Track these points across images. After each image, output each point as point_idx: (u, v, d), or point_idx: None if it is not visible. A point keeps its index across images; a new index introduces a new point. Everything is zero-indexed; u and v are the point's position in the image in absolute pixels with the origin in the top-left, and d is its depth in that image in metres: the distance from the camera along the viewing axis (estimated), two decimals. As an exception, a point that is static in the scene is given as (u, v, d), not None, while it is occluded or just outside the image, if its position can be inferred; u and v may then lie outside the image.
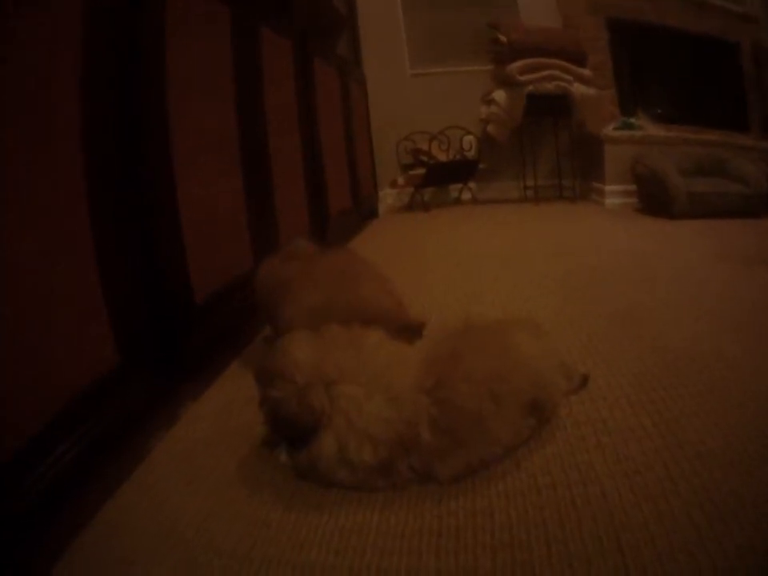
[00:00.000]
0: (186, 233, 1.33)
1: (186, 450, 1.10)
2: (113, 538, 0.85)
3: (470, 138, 4.63)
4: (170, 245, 1.28)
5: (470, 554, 0.75)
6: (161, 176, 1.26)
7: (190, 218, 1.35)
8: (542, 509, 0.84)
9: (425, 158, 4.49)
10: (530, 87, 4.28)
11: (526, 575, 0.70)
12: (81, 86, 0.98)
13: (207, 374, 1.43)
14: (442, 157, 4.51)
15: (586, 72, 4.44)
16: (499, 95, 4.37)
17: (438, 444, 0.88)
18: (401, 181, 4.59)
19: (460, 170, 4.57)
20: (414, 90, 4.79)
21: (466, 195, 4.77)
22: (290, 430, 0.92)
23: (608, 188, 4.13)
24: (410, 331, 1.32)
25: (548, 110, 4.34)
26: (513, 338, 1.04)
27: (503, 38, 4.37)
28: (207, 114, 1.53)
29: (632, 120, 4.23)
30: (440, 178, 4.52)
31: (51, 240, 0.90)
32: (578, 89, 4.31)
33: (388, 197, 4.76)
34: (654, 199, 3.60)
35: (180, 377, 1.29)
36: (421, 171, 4.43)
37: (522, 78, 4.27)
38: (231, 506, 0.91)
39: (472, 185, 4.74)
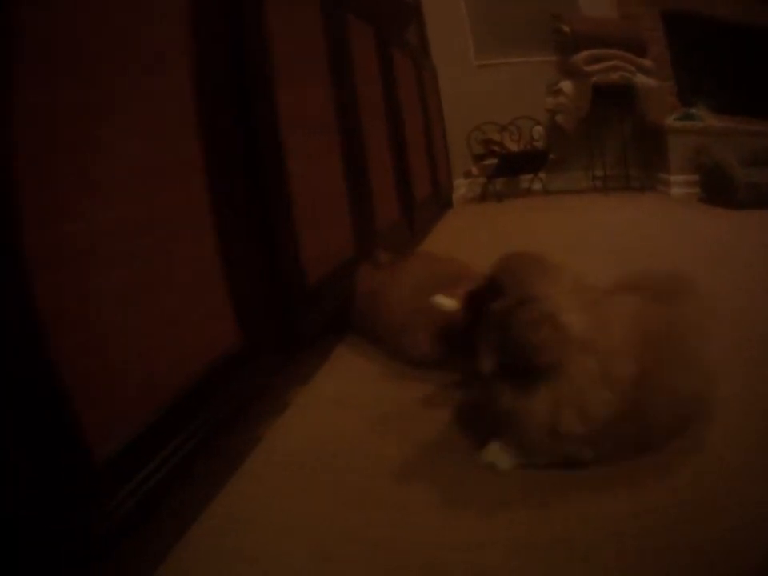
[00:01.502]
0: (298, 216, 1.36)
1: (302, 438, 1.11)
2: (227, 533, 0.84)
3: (539, 128, 4.68)
4: (284, 228, 1.30)
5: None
6: (273, 159, 1.28)
7: (300, 202, 1.38)
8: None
9: (496, 149, 4.52)
10: (595, 78, 4.31)
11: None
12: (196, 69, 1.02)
13: (314, 359, 1.49)
14: (513, 147, 4.56)
15: (648, 62, 4.47)
16: (566, 85, 4.43)
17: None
18: (475, 170, 4.63)
19: (531, 160, 4.58)
20: (480, 80, 4.83)
21: (536, 185, 4.76)
22: (525, 357, 0.81)
23: (673, 178, 4.13)
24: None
25: (613, 101, 4.37)
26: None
27: (566, 29, 4.45)
28: (308, 96, 1.56)
29: (693, 111, 4.21)
30: (511, 168, 4.52)
31: (179, 228, 0.94)
32: (640, 79, 4.34)
33: (461, 187, 4.81)
34: (717, 189, 3.61)
35: (291, 358, 1.33)
36: (493, 161, 4.46)
37: (588, 69, 4.31)
38: (360, 492, 0.91)
39: (542, 175, 4.73)
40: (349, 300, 1.61)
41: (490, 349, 0.84)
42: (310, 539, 0.80)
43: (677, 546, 0.69)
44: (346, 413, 1.20)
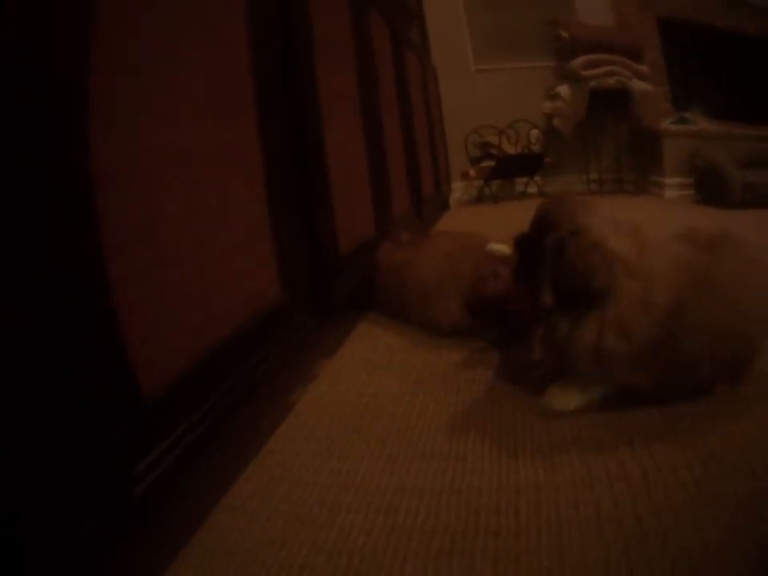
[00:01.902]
0: (334, 189, 1.44)
1: (338, 403, 1.13)
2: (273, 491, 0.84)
3: (536, 132, 4.73)
4: (323, 197, 1.38)
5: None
6: (315, 134, 1.36)
7: (335, 178, 1.46)
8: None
9: (494, 151, 4.57)
10: (593, 82, 4.38)
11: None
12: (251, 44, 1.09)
13: (338, 332, 1.51)
14: (511, 150, 4.61)
15: (644, 68, 4.56)
16: (564, 90, 4.48)
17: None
18: (472, 172, 4.67)
19: (527, 163, 4.63)
20: (478, 85, 4.91)
21: (532, 188, 4.79)
22: (580, 285, 0.86)
23: (668, 181, 4.16)
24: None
25: (609, 105, 4.44)
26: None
27: (564, 34, 4.53)
28: (339, 77, 1.66)
29: (687, 115, 4.26)
30: (508, 170, 4.59)
31: (235, 166, 1.00)
32: (636, 84, 4.42)
33: (457, 189, 4.88)
34: (712, 190, 3.67)
35: (323, 323, 1.35)
36: (490, 164, 4.52)
37: (585, 73, 4.38)
38: (412, 447, 0.92)
39: (538, 178, 4.76)
40: (370, 278, 1.66)
41: (548, 284, 0.89)
42: (366, 492, 0.81)
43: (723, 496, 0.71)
44: (380, 378, 1.22)
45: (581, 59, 4.38)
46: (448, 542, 0.67)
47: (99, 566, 0.57)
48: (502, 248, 1.08)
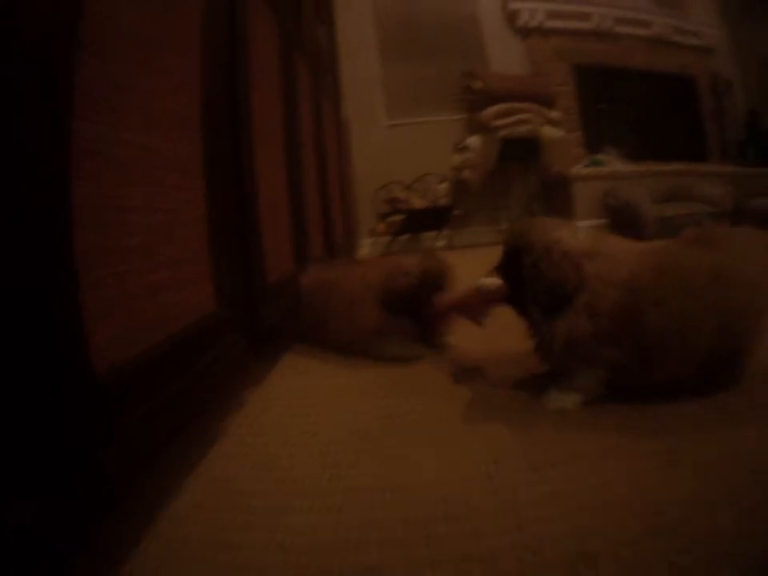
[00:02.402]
0: (262, 224, 1.52)
1: (268, 424, 1.11)
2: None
3: (444, 185, 4.79)
4: (254, 227, 1.46)
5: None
6: (248, 170, 1.45)
7: (263, 211, 1.54)
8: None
9: (402, 206, 4.59)
10: (504, 132, 4.49)
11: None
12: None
13: (262, 364, 1.52)
14: (419, 204, 4.63)
15: (555, 114, 4.70)
16: (474, 141, 4.57)
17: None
18: (380, 228, 4.64)
19: (436, 217, 4.66)
20: (390, 140, 4.97)
21: (441, 242, 4.79)
22: (557, 291, 1.00)
23: (579, 224, 4.23)
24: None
25: (520, 154, 4.54)
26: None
27: (478, 85, 4.62)
28: (269, 131, 1.73)
29: (599, 157, 4.43)
30: (417, 224, 4.59)
31: (186, 212, 1.07)
32: (547, 131, 4.55)
33: (365, 246, 4.81)
34: (626, 227, 3.82)
35: (256, 342, 1.41)
36: (398, 218, 4.53)
37: (496, 123, 4.49)
38: (353, 453, 0.93)
39: (446, 231, 4.79)
40: (293, 312, 1.70)
41: (531, 299, 1.04)
42: (312, 496, 0.80)
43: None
44: (311, 399, 1.22)
45: (492, 109, 4.49)
46: (400, 531, 0.67)
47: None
48: (492, 281, 1.14)
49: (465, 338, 1.48)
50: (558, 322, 0.99)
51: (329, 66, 3.69)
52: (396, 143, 4.93)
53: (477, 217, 4.95)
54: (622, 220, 3.89)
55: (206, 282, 1.14)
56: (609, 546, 0.58)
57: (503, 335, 1.31)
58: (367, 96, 4.94)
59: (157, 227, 0.92)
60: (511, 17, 5.22)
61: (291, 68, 2.07)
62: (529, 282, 1.03)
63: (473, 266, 1.38)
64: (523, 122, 4.50)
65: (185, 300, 1.01)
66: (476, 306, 1.29)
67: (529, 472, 0.76)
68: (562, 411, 1.01)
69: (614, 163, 4.42)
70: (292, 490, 0.81)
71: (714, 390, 0.98)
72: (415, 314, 1.46)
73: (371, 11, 5.06)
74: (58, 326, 0.63)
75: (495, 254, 1.13)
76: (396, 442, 0.94)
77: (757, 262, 0.98)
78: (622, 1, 5.61)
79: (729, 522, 0.59)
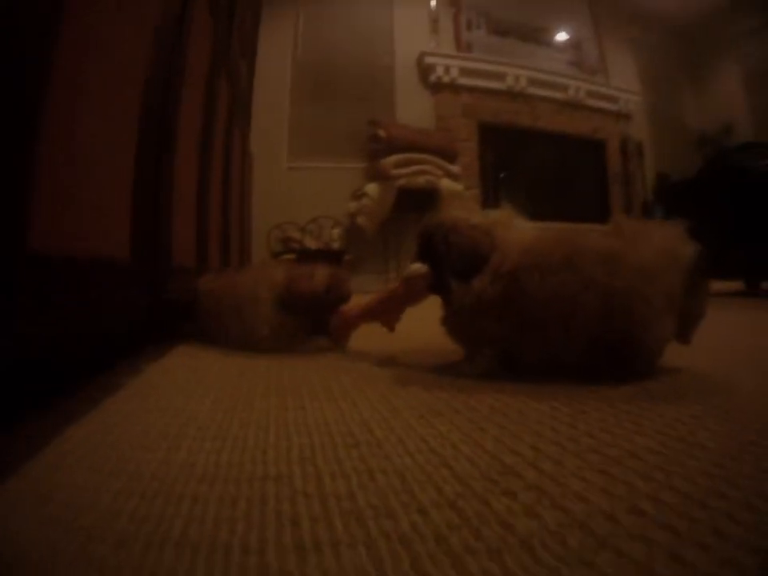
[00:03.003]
0: (174, 211, 1.64)
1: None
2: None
3: (337, 230, 4.87)
4: (166, 211, 1.58)
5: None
6: (169, 173, 1.60)
7: (176, 199, 1.67)
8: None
9: (295, 246, 4.63)
10: (402, 181, 4.60)
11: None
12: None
13: (149, 356, 1.44)
14: (312, 245, 4.67)
15: (456, 168, 4.86)
16: (371, 188, 4.66)
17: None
18: (273, 265, 4.64)
19: (327, 259, 4.60)
20: (288, 181, 5.05)
21: (329, 285, 4.80)
22: (470, 255, 1.07)
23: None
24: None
25: (416, 204, 4.54)
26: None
27: (383, 134, 4.72)
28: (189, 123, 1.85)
29: (494, 213, 4.56)
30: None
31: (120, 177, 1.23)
32: (445, 184, 4.68)
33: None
34: None
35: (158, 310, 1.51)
36: (291, 257, 4.51)
37: (395, 172, 4.59)
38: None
39: (336, 274, 4.79)
40: (191, 308, 1.71)
41: (449, 270, 1.10)
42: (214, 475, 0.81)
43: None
44: (198, 385, 1.10)
45: (392, 158, 4.59)
46: (300, 452, 0.68)
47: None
48: (418, 266, 1.24)
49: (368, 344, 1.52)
50: (473, 283, 1.04)
51: (244, 100, 3.76)
52: (294, 185, 5.02)
53: (367, 264, 5.04)
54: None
55: (125, 230, 1.23)
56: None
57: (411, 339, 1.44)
58: (273, 135, 5.03)
59: (100, 173, 1.07)
60: (426, 71, 5.43)
61: (215, 83, 2.18)
62: (444, 255, 1.09)
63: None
64: (422, 173, 4.63)
65: (106, 233, 1.11)
66: (389, 309, 1.42)
67: (419, 418, 0.80)
68: (459, 379, 1.07)
69: (505, 218, 4.57)
70: (186, 423, 0.81)
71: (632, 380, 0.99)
72: (318, 320, 1.50)
73: (290, 51, 5.22)
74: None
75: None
76: (296, 398, 0.96)
77: (655, 251, 0.99)
78: (542, 63, 5.95)
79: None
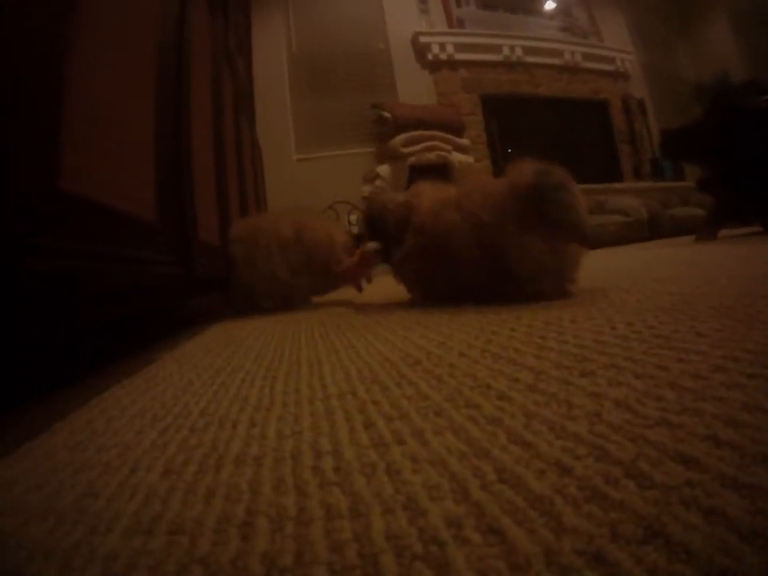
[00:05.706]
0: (197, 190, 1.61)
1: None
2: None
3: (355, 215, 4.83)
4: (190, 190, 1.54)
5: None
6: (188, 150, 1.55)
7: (198, 180, 1.64)
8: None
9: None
10: (413, 158, 4.58)
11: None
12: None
13: (184, 333, 1.45)
14: (332, 232, 4.60)
15: (465, 141, 4.83)
16: (383, 169, 4.66)
17: None
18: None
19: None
20: (299, 172, 5.02)
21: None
22: (402, 225, 1.35)
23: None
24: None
25: (429, 179, 4.52)
26: None
27: (387, 115, 4.70)
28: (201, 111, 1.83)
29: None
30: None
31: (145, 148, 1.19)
32: (456, 157, 4.65)
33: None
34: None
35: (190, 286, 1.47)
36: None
37: (405, 150, 4.57)
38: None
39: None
40: (221, 285, 1.80)
41: (393, 240, 1.40)
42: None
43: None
44: (238, 346, 1.11)
45: (401, 137, 4.58)
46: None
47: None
48: (372, 244, 1.51)
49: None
50: (403, 245, 1.34)
51: (246, 93, 3.74)
52: (305, 176, 4.99)
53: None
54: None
55: (151, 190, 1.19)
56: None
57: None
58: (278, 130, 5.02)
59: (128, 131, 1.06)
60: (421, 51, 5.40)
61: (220, 72, 2.22)
62: (383, 229, 1.42)
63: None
64: (432, 149, 4.61)
65: (133, 191, 1.07)
66: (359, 271, 1.75)
67: (475, 338, 0.79)
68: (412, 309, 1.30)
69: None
70: (233, 372, 0.78)
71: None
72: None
73: (285, 46, 5.18)
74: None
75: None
76: (342, 339, 0.96)
77: (501, 184, 1.17)
78: (534, 32, 5.91)
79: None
